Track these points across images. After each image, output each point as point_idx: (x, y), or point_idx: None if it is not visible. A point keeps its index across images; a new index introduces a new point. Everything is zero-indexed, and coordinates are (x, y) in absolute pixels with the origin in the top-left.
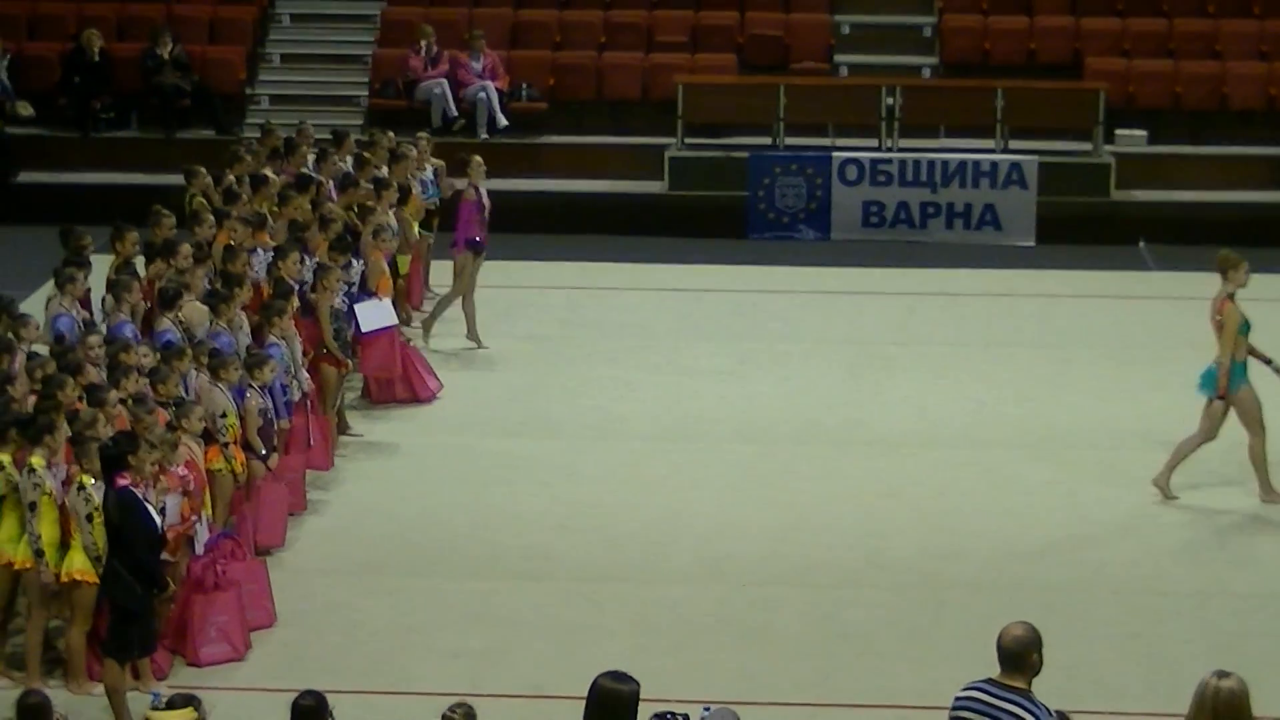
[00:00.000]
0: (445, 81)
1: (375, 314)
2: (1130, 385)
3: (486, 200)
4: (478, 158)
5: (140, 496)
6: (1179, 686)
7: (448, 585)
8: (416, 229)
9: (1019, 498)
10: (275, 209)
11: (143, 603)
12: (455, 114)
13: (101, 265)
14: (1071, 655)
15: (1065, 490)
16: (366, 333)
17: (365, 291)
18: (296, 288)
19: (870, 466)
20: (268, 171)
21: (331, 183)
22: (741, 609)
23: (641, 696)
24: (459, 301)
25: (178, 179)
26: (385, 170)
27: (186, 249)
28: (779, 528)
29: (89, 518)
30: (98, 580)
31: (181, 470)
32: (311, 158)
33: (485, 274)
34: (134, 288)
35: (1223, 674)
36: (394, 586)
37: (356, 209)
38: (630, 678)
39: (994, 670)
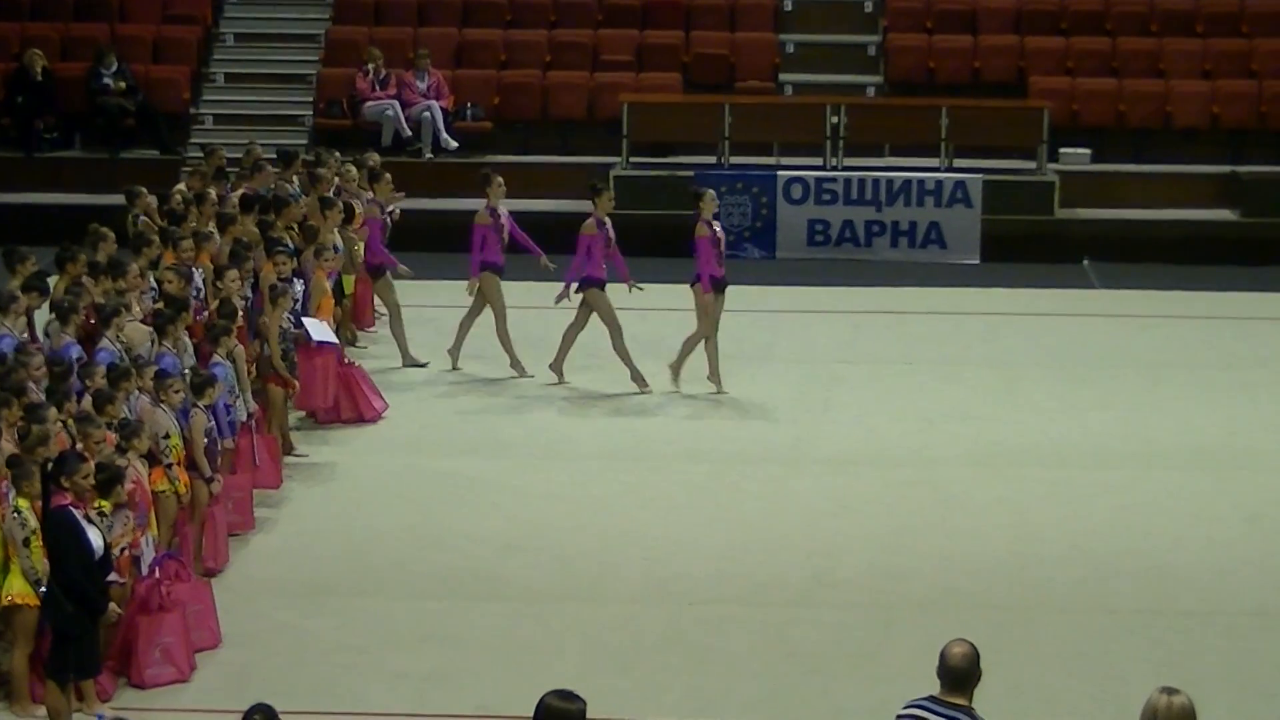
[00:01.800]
0: (397, 104)
1: (322, 329)
2: (1076, 403)
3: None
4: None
5: (79, 517)
6: (1126, 705)
7: (395, 605)
8: (363, 249)
9: (966, 516)
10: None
11: (77, 624)
12: (409, 134)
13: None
14: (1019, 674)
15: (1012, 508)
16: (317, 343)
17: (305, 313)
18: (242, 307)
19: (818, 485)
20: (211, 191)
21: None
22: (690, 628)
23: (589, 716)
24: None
25: (122, 199)
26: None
27: (135, 269)
28: (727, 547)
29: (26, 542)
30: (38, 603)
31: (129, 485)
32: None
33: (433, 294)
34: (80, 309)
35: (1171, 690)
36: (341, 607)
37: (299, 228)
38: (577, 696)
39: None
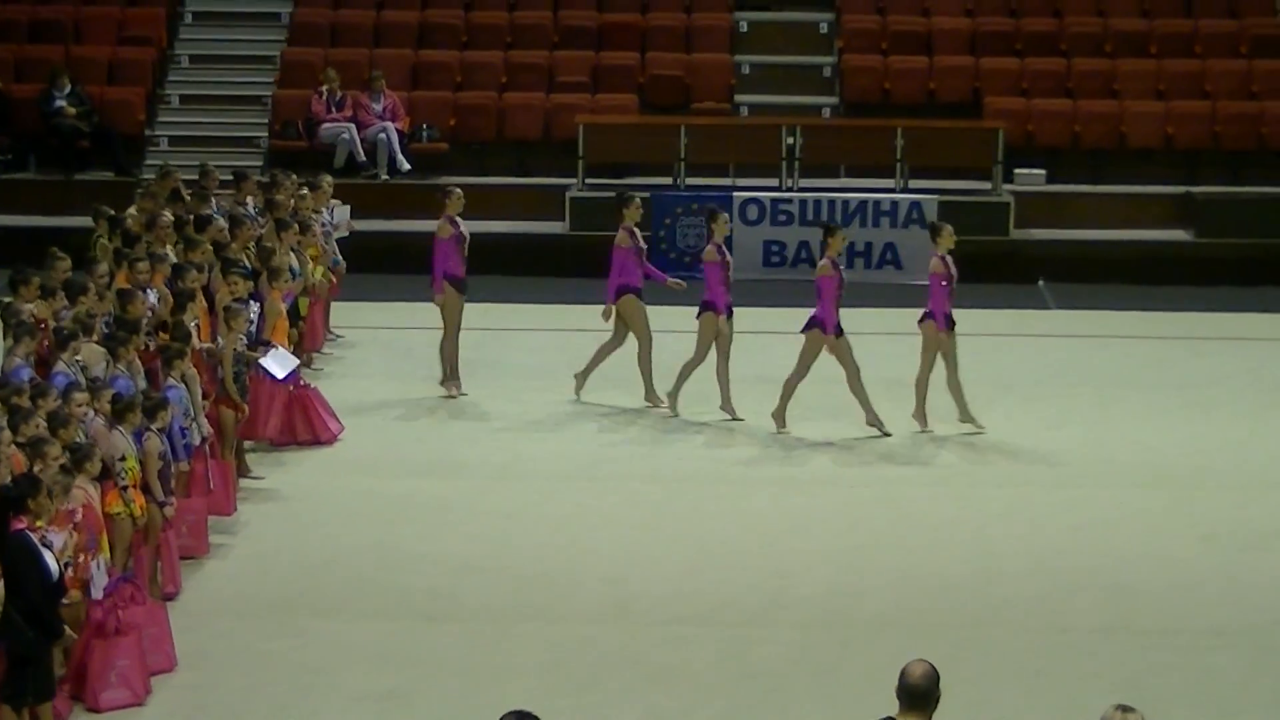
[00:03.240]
0: (353, 126)
1: (281, 361)
2: (1030, 423)
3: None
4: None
5: (37, 541)
6: None
7: (353, 627)
8: (319, 271)
9: (924, 535)
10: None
11: (36, 648)
12: (363, 158)
13: None
14: (977, 692)
15: (970, 527)
16: (283, 379)
17: (260, 334)
18: (195, 330)
19: (776, 505)
20: (166, 213)
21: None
22: (649, 648)
23: None
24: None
25: (77, 221)
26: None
27: (93, 288)
28: (686, 566)
29: None
30: None
31: (71, 506)
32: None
33: (387, 315)
34: (35, 333)
35: (1126, 708)
36: (298, 628)
37: (256, 249)
38: (535, 717)
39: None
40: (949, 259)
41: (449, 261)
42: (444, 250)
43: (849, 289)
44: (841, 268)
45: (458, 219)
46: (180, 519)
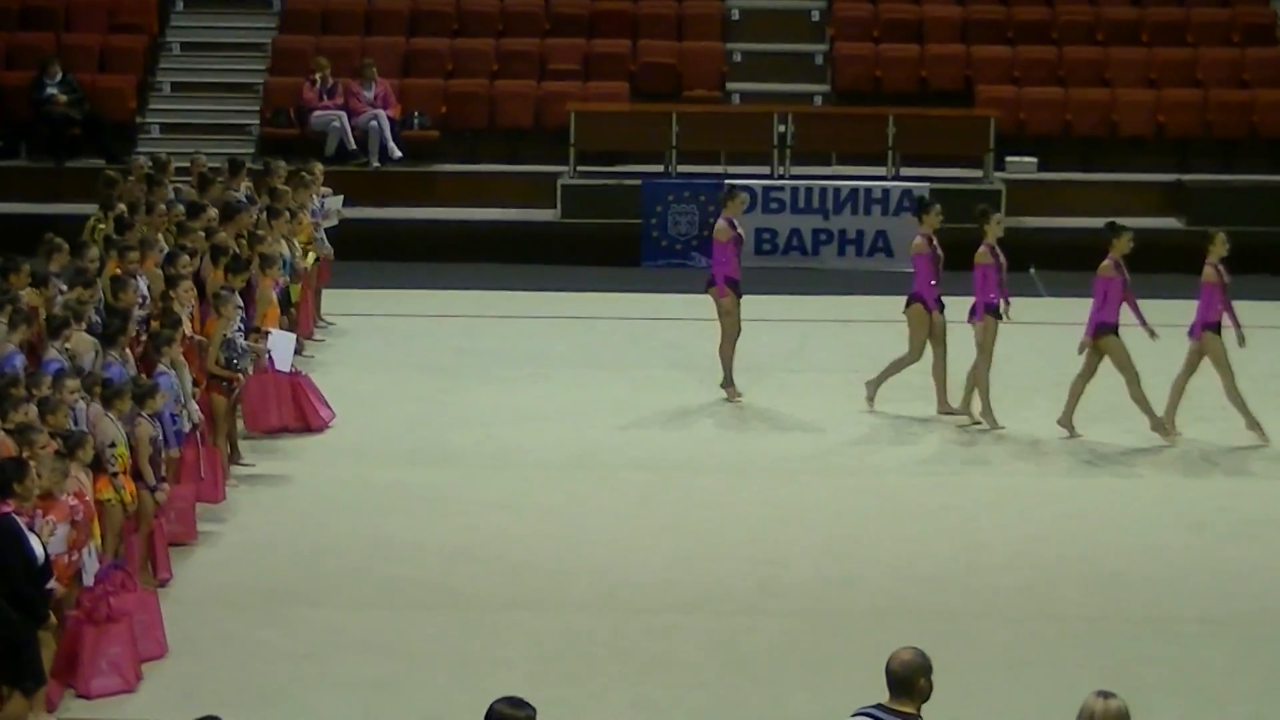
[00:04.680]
0: (344, 114)
1: (282, 345)
2: (1022, 411)
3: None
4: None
5: (23, 525)
6: (1072, 712)
7: (343, 615)
8: (311, 258)
9: (913, 524)
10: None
11: (23, 631)
12: (354, 146)
13: None
14: (965, 681)
15: (959, 516)
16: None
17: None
18: (186, 316)
19: (766, 493)
20: (161, 201)
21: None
22: (639, 637)
23: None
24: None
25: (68, 208)
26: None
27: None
28: (676, 555)
29: None
30: None
31: (71, 500)
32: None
33: (377, 302)
34: (32, 320)
35: (1107, 694)
36: (289, 617)
37: (246, 236)
38: (527, 704)
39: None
40: (934, 239)
41: (729, 265)
42: (724, 253)
43: (842, 277)
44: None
45: (736, 220)
46: (169, 506)
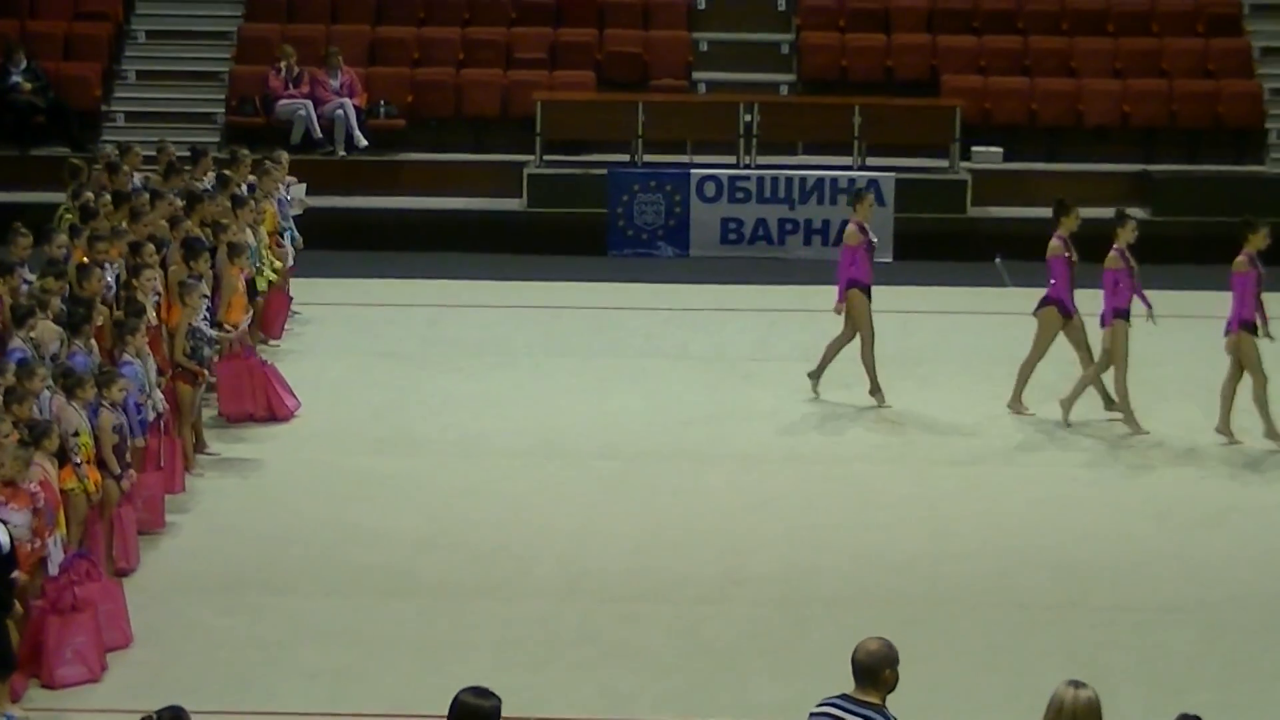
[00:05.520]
0: (309, 103)
1: None
2: (987, 400)
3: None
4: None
5: None
6: (1039, 700)
7: (308, 603)
8: (277, 266)
9: (880, 512)
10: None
11: None
12: (320, 135)
13: None
14: (932, 669)
15: (925, 504)
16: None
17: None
18: (151, 305)
19: (732, 482)
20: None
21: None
22: (604, 624)
23: (503, 713)
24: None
25: (33, 197)
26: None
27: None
28: (642, 543)
29: None
30: None
31: (33, 487)
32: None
33: (344, 291)
34: None
35: (1078, 684)
36: (253, 605)
37: (211, 225)
38: (492, 693)
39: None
40: (869, 228)
41: (860, 269)
42: (853, 256)
43: (808, 266)
44: (870, 233)
45: (866, 225)
46: (135, 494)
